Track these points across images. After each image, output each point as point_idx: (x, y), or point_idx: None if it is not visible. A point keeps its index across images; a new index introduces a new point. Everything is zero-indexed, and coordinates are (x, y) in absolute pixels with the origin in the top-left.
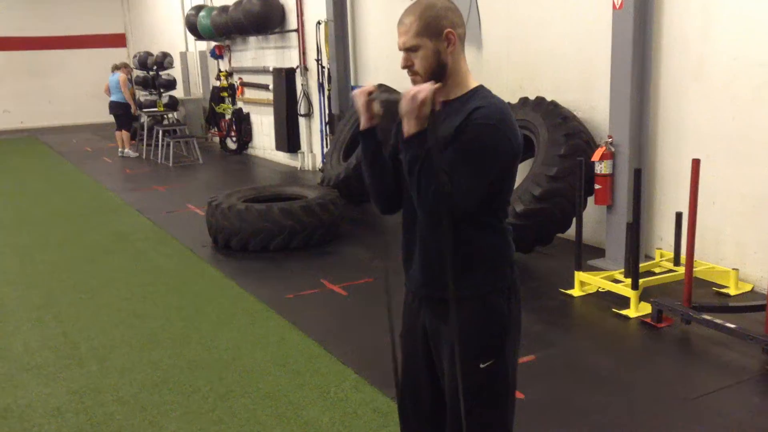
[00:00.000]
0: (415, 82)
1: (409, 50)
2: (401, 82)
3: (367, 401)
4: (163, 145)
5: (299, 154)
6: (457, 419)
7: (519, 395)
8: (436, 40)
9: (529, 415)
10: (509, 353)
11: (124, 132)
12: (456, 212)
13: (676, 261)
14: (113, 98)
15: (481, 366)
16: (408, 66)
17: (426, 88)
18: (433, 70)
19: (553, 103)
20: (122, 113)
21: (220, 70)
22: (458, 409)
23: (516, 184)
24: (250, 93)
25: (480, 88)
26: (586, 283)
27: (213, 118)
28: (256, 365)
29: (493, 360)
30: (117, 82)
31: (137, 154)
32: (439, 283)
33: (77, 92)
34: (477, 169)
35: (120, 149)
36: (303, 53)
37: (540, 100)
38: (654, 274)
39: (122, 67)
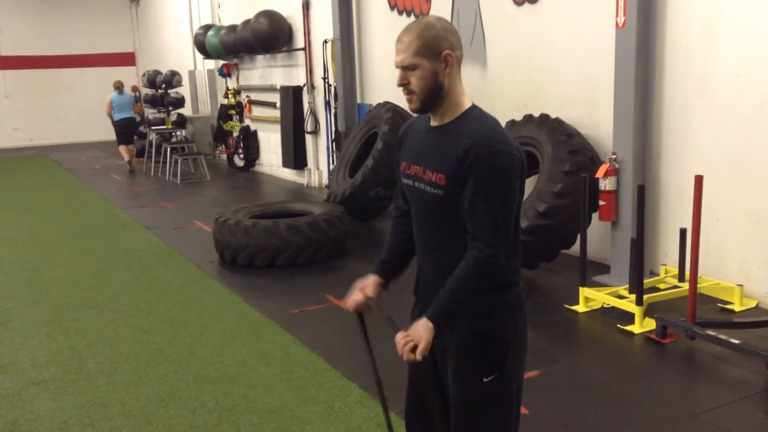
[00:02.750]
0: (410, 101)
1: (406, 68)
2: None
3: (372, 416)
4: (171, 163)
5: (306, 171)
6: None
7: (523, 410)
8: (434, 60)
9: (533, 431)
10: (513, 368)
11: (131, 146)
12: (506, 245)
13: (681, 277)
14: (127, 115)
15: (485, 380)
16: (404, 84)
17: (421, 349)
18: (429, 90)
19: (558, 120)
20: (136, 129)
21: (227, 88)
22: (462, 421)
23: None
24: (257, 111)
25: (472, 110)
26: (590, 299)
27: (221, 135)
28: (261, 380)
29: (496, 374)
30: (130, 99)
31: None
32: None
33: (86, 110)
34: (509, 203)
35: (130, 162)
36: (310, 71)
37: (544, 118)
38: (659, 290)
39: (122, 86)
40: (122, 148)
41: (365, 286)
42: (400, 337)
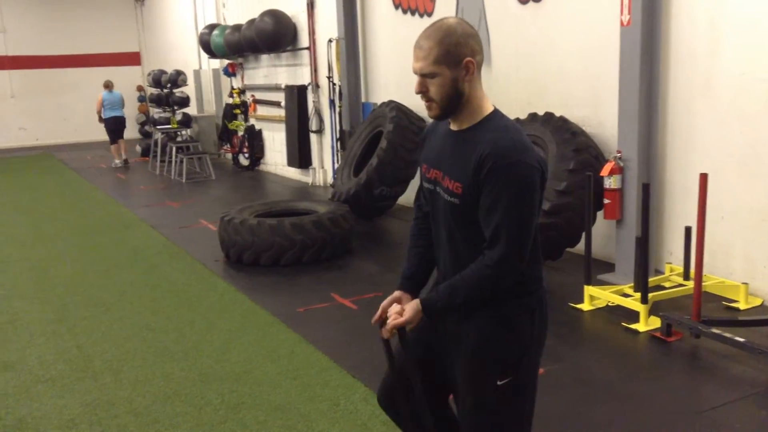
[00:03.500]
0: (429, 108)
1: (425, 76)
2: (411, 99)
3: (377, 413)
4: (176, 162)
5: (310, 170)
6: None
7: None
8: (454, 68)
9: (538, 429)
10: (529, 373)
11: (122, 141)
12: (524, 258)
13: (686, 275)
14: (117, 113)
15: (498, 383)
16: (423, 92)
17: (394, 323)
18: (449, 98)
19: (562, 119)
20: (124, 127)
21: (232, 88)
22: (475, 425)
23: None
24: (262, 110)
25: (493, 115)
26: (595, 297)
27: (226, 134)
28: (267, 378)
29: (510, 378)
30: (120, 98)
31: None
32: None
33: (92, 110)
34: (526, 214)
35: (118, 160)
36: (314, 71)
37: (549, 116)
38: (664, 288)
39: (112, 84)
40: (114, 148)
41: (397, 302)
42: (392, 310)
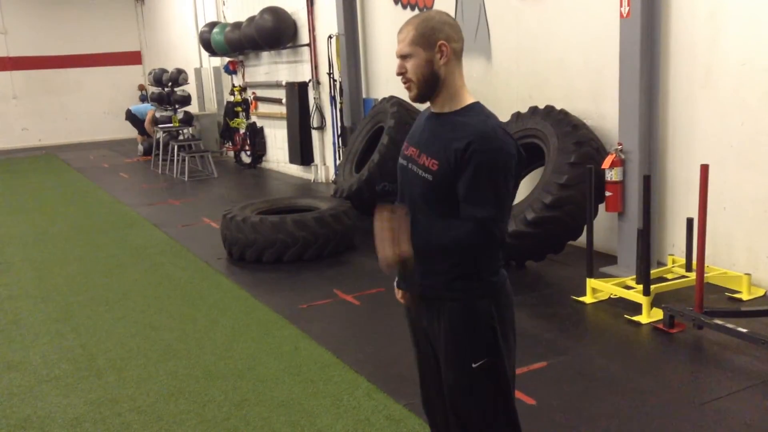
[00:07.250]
0: (408, 89)
1: (403, 57)
2: None
3: (380, 408)
4: (178, 160)
5: (312, 167)
6: (457, 420)
7: (530, 401)
8: (429, 50)
9: (541, 421)
10: (501, 353)
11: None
12: (505, 223)
13: (688, 267)
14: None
15: (473, 365)
16: (402, 73)
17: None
18: (425, 78)
19: (563, 112)
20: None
21: (233, 85)
22: (456, 406)
23: (527, 193)
24: (263, 107)
25: (475, 105)
26: (597, 289)
27: (227, 132)
28: (270, 374)
29: (484, 360)
30: (144, 106)
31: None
32: (431, 283)
33: (94, 109)
34: (501, 191)
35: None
36: (315, 67)
37: (550, 109)
38: (666, 280)
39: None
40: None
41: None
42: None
